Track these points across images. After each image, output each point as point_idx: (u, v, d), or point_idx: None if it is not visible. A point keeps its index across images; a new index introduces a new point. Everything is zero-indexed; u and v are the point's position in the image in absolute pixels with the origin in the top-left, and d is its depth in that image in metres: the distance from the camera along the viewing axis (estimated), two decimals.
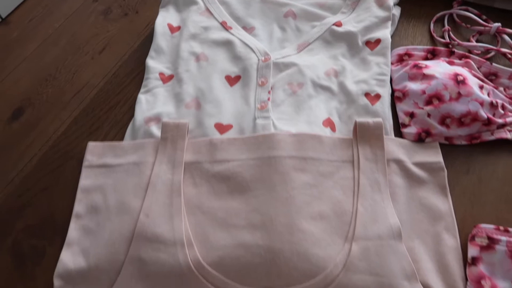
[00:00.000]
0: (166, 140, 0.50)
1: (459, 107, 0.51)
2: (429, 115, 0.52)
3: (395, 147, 0.51)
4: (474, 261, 0.44)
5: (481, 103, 0.51)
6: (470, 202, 0.50)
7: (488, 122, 0.52)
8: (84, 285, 0.43)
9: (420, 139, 0.52)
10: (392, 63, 0.59)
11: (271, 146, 0.49)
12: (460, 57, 0.59)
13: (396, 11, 0.64)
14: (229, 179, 0.48)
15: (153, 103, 0.55)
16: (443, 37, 0.63)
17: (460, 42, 0.61)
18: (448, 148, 0.53)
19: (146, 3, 0.71)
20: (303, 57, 0.58)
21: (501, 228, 0.45)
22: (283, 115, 0.53)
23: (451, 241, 0.46)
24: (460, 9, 0.66)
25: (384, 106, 0.54)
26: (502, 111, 0.53)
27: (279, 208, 0.45)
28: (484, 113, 0.51)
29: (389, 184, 0.48)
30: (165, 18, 0.63)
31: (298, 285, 0.42)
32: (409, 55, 0.59)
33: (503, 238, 0.44)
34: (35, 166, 0.53)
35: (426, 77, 0.54)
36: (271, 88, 0.55)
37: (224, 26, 0.62)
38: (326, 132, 0.52)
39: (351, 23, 0.61)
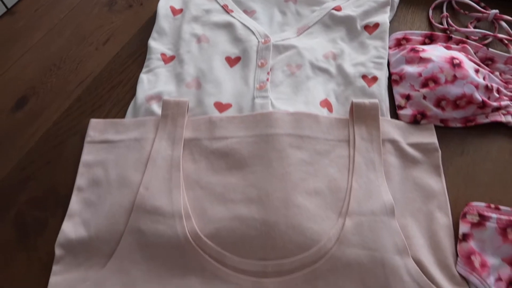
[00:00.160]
0: (167, 117, 0.52)
1: (454, 90, 0.52)
2: (424, 97, 0.53)
3: (390, 127, 0.52)
4: (465, 237, 0.45)
5: (476, 86, 0.52)
6: (463, 182, 0.51)
7: (483, 105, 0.53)
8: (84, 254, 0.45)
9: (416, 121, 0.53)
10: (390, 48, 0.60)
11: (268, 124, 0.50)
12: (458, 42, 0.60)
13: None
14: (227, 156, 0.49)
15: (154, 82, 0.56)
16: (441, 24, 0.64)
17: (458, 28, 0.62)
18: (443, 130, 0.54)
19: None
20: (303, 40, 0.59)
21: (492, 206, 0.46)
22: (281, 95, 0.54)
23: (443, 219, 0.47)
24: None
25: (380, 88, 0.55)
26: (497, 95, 0.54)
27: (276, 184, 0.46)
28: (479, 96, 0.52)
29: (384, 164, 0.49)
30: (167, 1, 0.65)
31: (292, 257, 0.43)
32: (407, 39, 0.60)
33: (494, 215, 0.45)
34: (38, 141, 0.54)
35: (422, 60, 0.55)
36: (270, 69, 0.56)
37: (225, 9, 0.64)
38: (323, 112, 0.53)
39: (350, 8, 0.62)
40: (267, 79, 0.55)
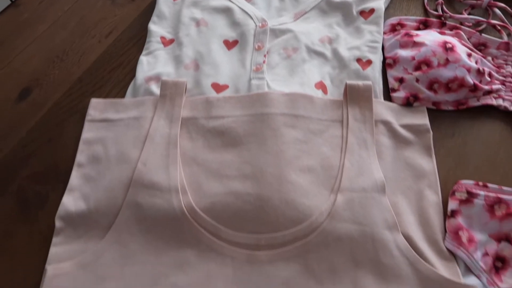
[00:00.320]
0: (165, 97, 0.53)
1: (446, 73, 0.53)
2: (417, 80, 0.54)
3: (383, 109, 0.53)
4: (453, 213, 0.46)
5: (468, 70, 0.53)
6: (454, 163, 0.52)
7: (475, 88, 0.54)
8: (84, 227, 0.46)
9: (408, 103, 0.54)
10: (385, 33, 0.61)
11: (264, 104, 0.51)
12: (451, 28, 0.61)
13: None
14: (223, 134, 0.50)
15: (153, 64, 0.58)
16: (436, 10, 0.65)
17: (452, 14, 0.63)
18: (436, 113, 0.55)
19: None
20: (299, 25, 0.61)
21: (480, 183, 0.47)
22: (277, 76, 0.56)
23: (433, 197, 0.48)
24: None
25: (374, 71, 0.56)
26: (488, 79, 0.55)
27: (270, 160, 0.48)
28: (470, 79, 0.53)
29: (376, 144, 0.51)
30: None
31: (285, 230, 0.44)
32: (401, 25, 0.61)
33: (482, 192, 0.47)
34: (40, 119, 0.55)
35: (416, 44, 0.56)
36: (267, 52, 0.58)
37: None
38: (318, 94, 0.55)
39: None
40: (264, 62, 0.56)
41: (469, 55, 0.55)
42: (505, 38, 0.60)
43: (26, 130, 0.55)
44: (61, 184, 0.50)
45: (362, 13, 0.61)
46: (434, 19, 0.62)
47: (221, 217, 0.45)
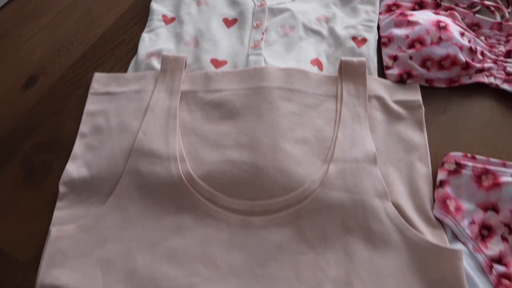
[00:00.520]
0: (166, 71, 0.55)
1: (439, 50, 0.55)
2: (411, 58, 0.56)
3: (377, 85, 0.55)
4: (442, 183, 0.48)
5: (461, 48, 0.55)
6: (444, 137, 0.53)
7: (467, 66, 0.55)
8: (86, 192, 0.48)
9: (402, 80, 0.56)
10: (380, 13, 0.62)
11: (261, 78, 0.53)
12: (446, 9, 0.62)
13: None
14: (221, 106, 0.52)
15: (155, 40, 0.60)
16: None
17: None
18: (428, 90, 0.56)
19: None
20: (297, 4, 0.62)
21: (469, 155, 0.49)
22: (274, 53, 0.57)
23: (423, 169, 0.50)
24: None
25: (369, 49, 0.57)
26: (481, 57, 0.56)
27: (265, 131, 0.49)
28: (462, 57, 0.55)
29: (369, 118, 0.52)
30: None
31: (279, 197, 0.46)
32: (397, 5, 0.63)
33: (470, 163, 0.48)
34: (45, 93, 0.57)
35: (410, 23, 0.58)
36: (265, 30, 0.60)
37: None
38: (314, 70, 0.56)
39: None
40: (262, 39, 0.58)
41: (462, 34, 0.57)
42: (498, 19, 0.61)
43: (32, 102, 0.57)
44: (65, 153, 0.52)
45: None
46: (429, 0, 0.63)
47: (218, 184, 0.47)
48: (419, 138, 0.52)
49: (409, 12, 0.59)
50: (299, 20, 0.60)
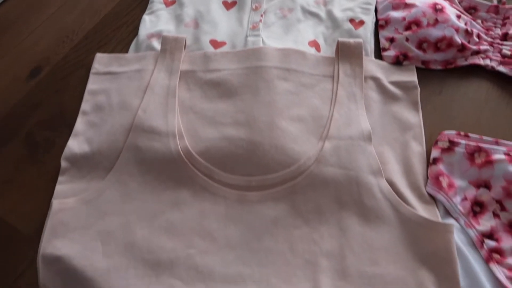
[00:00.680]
0: (165, 51, 0.56)
1: (435, 32, 0.55)
2: (407, 40, 0.56)
3: (373, 66, 0.56)
4: (435, 161, 0.49)
5: (457, 30, 0.55)
6: (439, 118, 0.54)
7: (463, 48, 0.56)
8: (87, 167, 0.49)
9: (398, 61, 0.56)
10: None
11: (258, 58, 0.54)
12: None
13: None
14: (219, 85, 0.53)
15: (156, 22, 0.61)
16: None
17: None
18: (424, 71, 0.57)
19: None
20: None
21: (462, 133, 0.50)
22: (273, 34, 0.58)
23: (417, 148, 0.51)
24: None
25: (366, 31, 0.58)
26: (477, 39, 0.57)
27: (262, 109, 0.50)
28: (458, 39, 0.55)
29: (365, 98, 0.53)
30: None
31: (275, 173, 0.47)
32: None
33: (463, 141, 0.49)
34: (48, 73, 0.59)
35: (407, 6, 0.58)
36: (264, 12, 0.60)
37: None
38: (311, 51, 0.57)
39: None
40: (260, 21, 0.59)
41: (459, 17, 0.57)
42: (495, 2, 0.62)
43: (35, 82, 0.58)
44: (67, 130, 0.53)
45: None
46: None
47: (215, 160, 0.48)
48: (414, 118, 0.53)
49: None
50: (298, 2, 0.61)
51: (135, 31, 0.62)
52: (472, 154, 0.48)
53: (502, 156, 0.47)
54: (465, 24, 0.57)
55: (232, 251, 0.45)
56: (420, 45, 0.56)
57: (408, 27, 0.57)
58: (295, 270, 0.44)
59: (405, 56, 0.56)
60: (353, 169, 0.47)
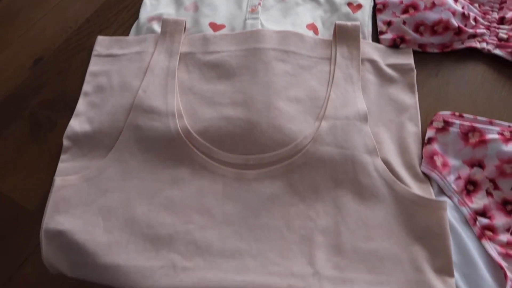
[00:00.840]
0: (165, 34, 0.57)
1: (432, 15, 0.56)
2: (404, 23, 0.57)
3: (371, 49, 0.57)
4: (430, 140, 0.49)
5: (453, 13, 0.56)
6: (435, 100, 0.55)
7: (459, 31, 0.56)
8: (88, 146, 0.50)
9: (395, 44, 0.57)
10: None
11: (257, 40, 0.55)
12: None
13: None
14: (218, 67, 0.54)
15: (156, 5, 0.62)
16: None
17: None
18: (421, 55, 0.58)
19: None
20: None
21: (457, 113, 0.51)
22: (271, 17, 0.59)
23: (413, 129, 0.52)
24: None
25: (364, 14, 0.59)
26: (473, 23, 0.58)
27: (260, 90, 0.51)
28: (455, 22, 0.56)
29: (362, 80, 0.54)
30: None
31: (272, 152, 0.48)
32: None
33: (457, 121, 0.50)
34: (51, 55, 0.60)
35: None
36: None
37: None
38: (309, 34, 0.58)
39: None
40: (259, 4, 0.60)
41: (456, 0, 0.58)
42: None
43: (38, 64, 0.59)
44: (69, 111, 0.54)
45: None
46: None
47: (214, 139, 0.49)
48: (410, 99, 0.54)
49: None
50: None
51: (135, 15, 0.63)
52: (466, 134, 0.49)
53: (496, 136, 0.48)
54: (462, 7, 0.58)
55: (230, 227, 0.46)
56: (417, 28, 0.57)
57: (405, 10, 0.57)
58: (291, 246, 0.45)
59: (402, 39, 0.57)
60: (349, 148, 0.48)
